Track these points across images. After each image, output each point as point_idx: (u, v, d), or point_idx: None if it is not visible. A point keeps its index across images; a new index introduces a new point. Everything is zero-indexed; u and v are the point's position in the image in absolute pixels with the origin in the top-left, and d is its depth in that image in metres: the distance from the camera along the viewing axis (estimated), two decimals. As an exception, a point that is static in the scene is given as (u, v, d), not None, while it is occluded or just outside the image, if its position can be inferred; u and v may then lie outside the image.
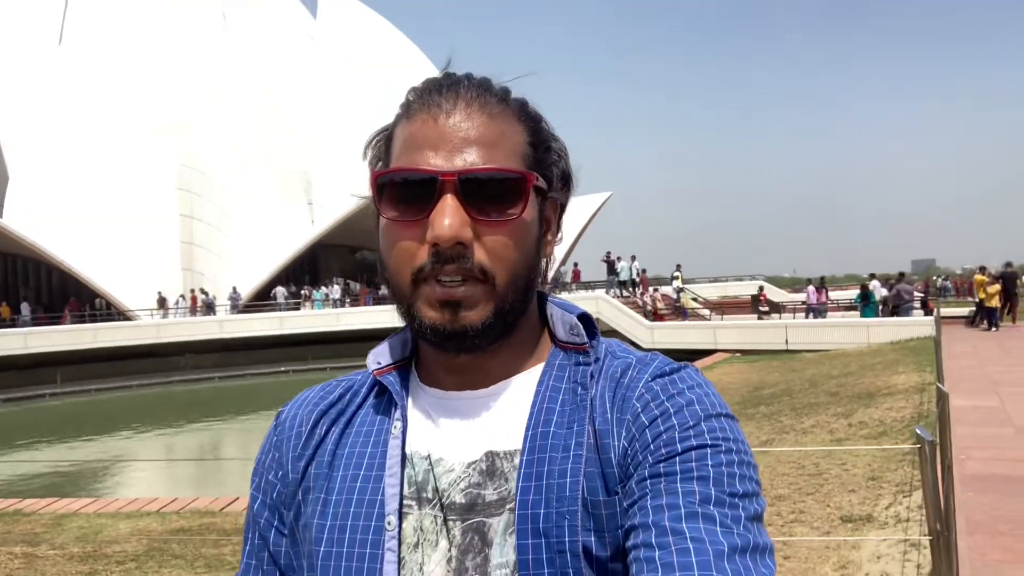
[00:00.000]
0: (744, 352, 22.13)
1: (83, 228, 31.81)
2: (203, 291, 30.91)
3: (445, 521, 0.78)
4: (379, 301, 31.75)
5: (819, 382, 13.57)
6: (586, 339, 0.85)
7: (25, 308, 29.95)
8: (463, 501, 0.78)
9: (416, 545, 0.77)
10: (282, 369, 28.23)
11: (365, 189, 0.85)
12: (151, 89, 33.89)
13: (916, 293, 23.61)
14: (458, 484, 0.79)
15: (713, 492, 0.70)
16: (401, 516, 0.79)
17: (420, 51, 48.70)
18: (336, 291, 32.99)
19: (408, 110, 0.82)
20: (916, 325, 19.94)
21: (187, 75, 34.92)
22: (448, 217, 0.75)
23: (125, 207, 32.05)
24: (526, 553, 0.73)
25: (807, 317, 24.13)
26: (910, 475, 6.17)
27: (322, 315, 30.12)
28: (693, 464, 0.72)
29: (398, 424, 0.83)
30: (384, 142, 0.85)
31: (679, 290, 29.34)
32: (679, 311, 28.68)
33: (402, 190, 0.78)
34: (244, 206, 34.88)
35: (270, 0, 51.08)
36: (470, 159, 0.77)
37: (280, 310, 31.03)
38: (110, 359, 26.36)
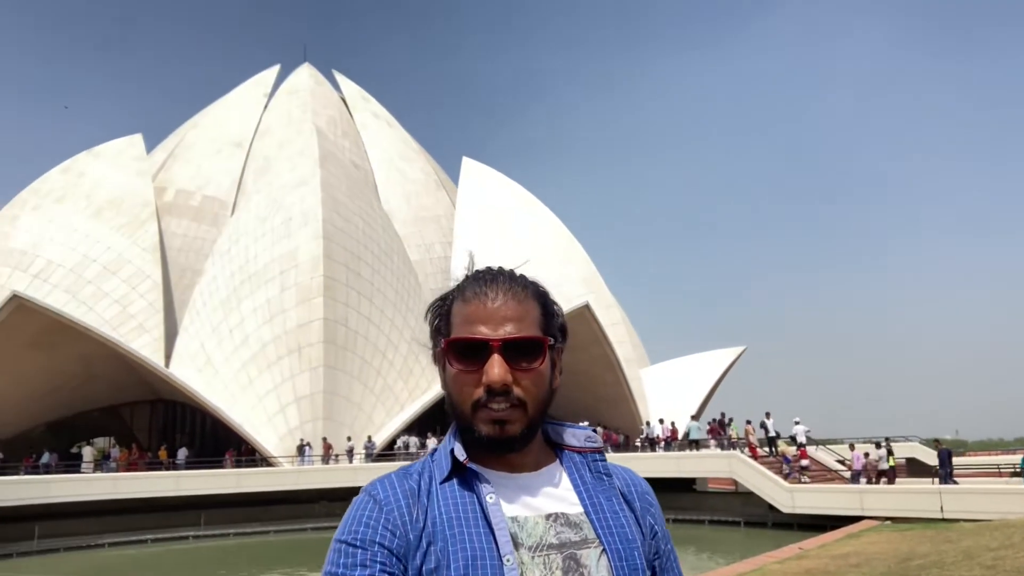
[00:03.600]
0: (894, 520, 20.37)
1: (234, 377, 34.26)
2: (347, 439, 32.08)
3: (535, 557, 1.19)
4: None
5: (975, 554, 12.29)
6: (602, 444, 1.38)
7: (182, 454, 31.89)
8: (556, 542, 1.21)
9: (521, 574, 1.16)
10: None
11: None
12: (300, 248, 37.02)
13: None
14: (549, 531, 1.22)
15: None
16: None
17: (552, 213, 50.84)
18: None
19: (464, 294, 1.30)
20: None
21: (335, 235, 38.01)
22: (497, 368, 1.21)
23: (274, 359, 34.34)
24: (619, 569, 1.21)
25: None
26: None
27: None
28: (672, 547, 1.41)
29: (492, 495, 1.23)
30: (444, 314, 1.32)
31: (801, 443, 27.30)
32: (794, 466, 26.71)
33: (465, 351, 1.25)
34: (383, 358, 36.56)
35: (416, 169, 55.79)
36: (508, 329, 1.24)
37: (410, 459, 31.57)
38: (251, 504, 27.45)
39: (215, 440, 35.58)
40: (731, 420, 31.32)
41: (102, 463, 30.75)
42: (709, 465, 27.49)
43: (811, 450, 28.26)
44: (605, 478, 1.33)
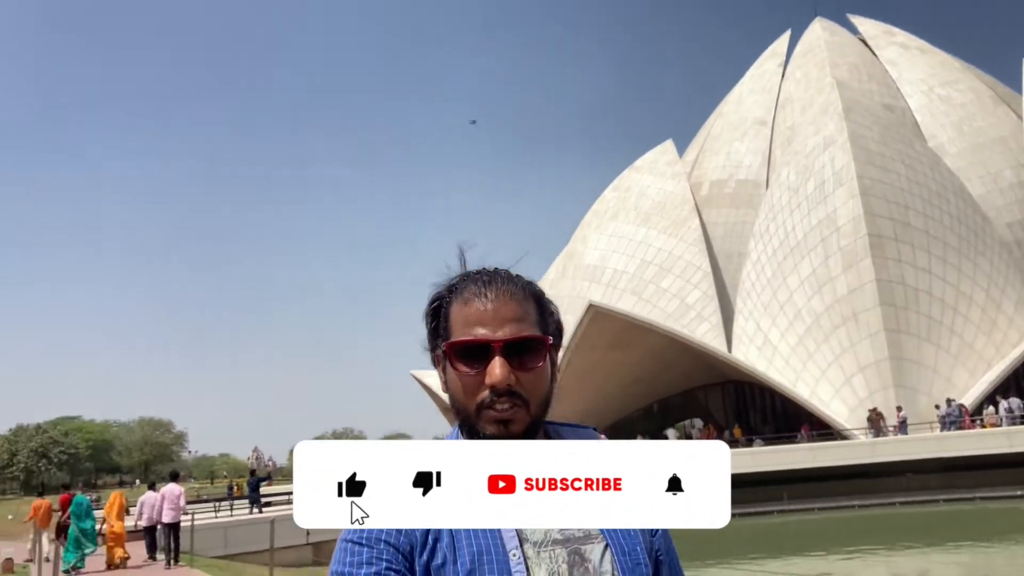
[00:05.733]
0: None
1: (793, 353, 34.09)
2: (898, 408, 29.28)
3: (540, 552, 1.23)
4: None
5: None
6: None
7: (757, 443, 32.31)
8: (561, 538, 1.25)
9: (527, 569, 1.21)
10: (1018, 493, 24.37)
11: None
12: (837, 211, 35.05)
13: None
14: (553, 528, 1.24)
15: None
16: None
17: None
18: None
19: (463, 296, 1.30)
20: None
21: (874, 188, 35.03)
22: (499, 369, 1.24)
23: (830, 329, 33.18)
24: (623, 564, 1.25)
25: None
26: None
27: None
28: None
29: None
30: (442, 315, 1.33)
31: None
32: None
33: (467, 352, 1.27)
34: (955, 313, 32.37)
35: (963, 91, 48.24)
36: (508, 330, 1.26)
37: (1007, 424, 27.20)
38: (827, 479, 26.81)
39: (786, 416, 35.86)
40: None
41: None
42: None
43: None
44: None
